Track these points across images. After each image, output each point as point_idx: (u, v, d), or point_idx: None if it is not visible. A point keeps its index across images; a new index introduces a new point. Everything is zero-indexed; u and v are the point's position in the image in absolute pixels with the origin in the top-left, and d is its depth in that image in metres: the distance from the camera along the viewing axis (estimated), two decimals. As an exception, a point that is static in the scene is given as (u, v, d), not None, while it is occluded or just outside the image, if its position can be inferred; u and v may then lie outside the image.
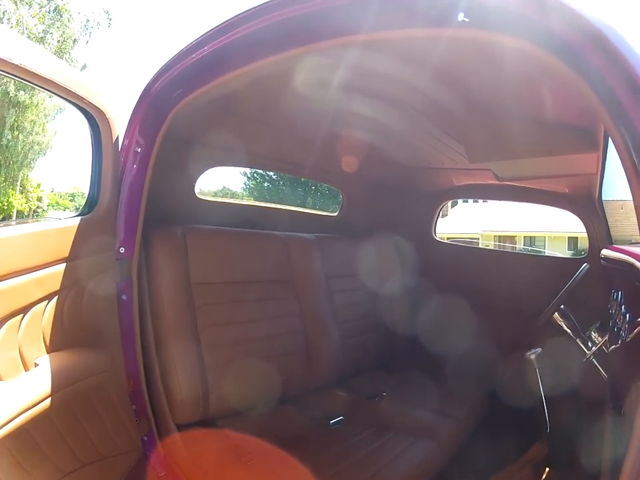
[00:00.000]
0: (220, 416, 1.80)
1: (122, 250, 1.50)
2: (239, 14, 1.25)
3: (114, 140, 1.45)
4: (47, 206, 20.61)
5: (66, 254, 1.34)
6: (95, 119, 1.40)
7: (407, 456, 1.76)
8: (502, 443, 2.19)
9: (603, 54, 0.84)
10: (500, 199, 2.92)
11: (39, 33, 14.08)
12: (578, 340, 1.93)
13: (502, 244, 18.85)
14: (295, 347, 2.10)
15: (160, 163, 1.54)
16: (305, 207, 15.15)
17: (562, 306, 2.03)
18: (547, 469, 1.99)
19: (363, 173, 2.63)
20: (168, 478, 1.64)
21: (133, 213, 1.51)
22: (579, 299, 1.94)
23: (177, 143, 1.70)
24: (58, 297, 1.34)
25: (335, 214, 2.88)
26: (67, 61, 14.69)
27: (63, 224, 1.36)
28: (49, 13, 14.37)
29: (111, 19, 15.49)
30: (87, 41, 15.29)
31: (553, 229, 16.82)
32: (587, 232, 2.58)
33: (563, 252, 16.29)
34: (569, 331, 1.95)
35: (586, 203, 2.51)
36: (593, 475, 1.57)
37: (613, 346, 1.63)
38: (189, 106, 1.45)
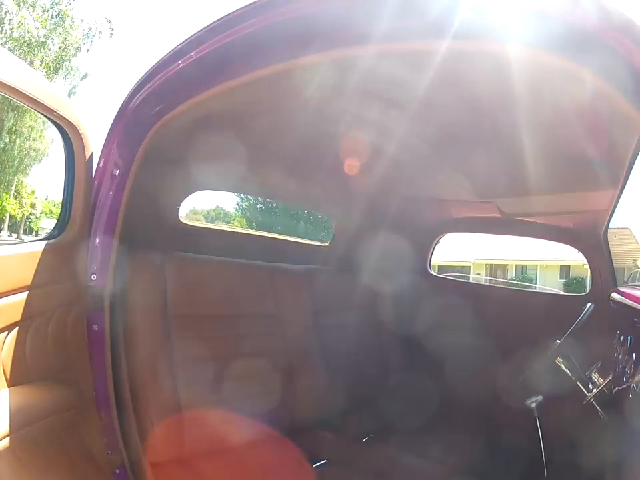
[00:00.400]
0: (196, 454, 1.67)
1: (94, 277, 1.37)
2: (230, 13, 1.10)
3: (87, 157, 1.33)
4: (40, 213, 20.46)
5: (29, 282, 1.22)
6: (67, 133, 1.28)
7: None
8: None
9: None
10: (501, 233, 2.83)
11: (40, 37, 14.03)
12: (578, 382, 1.88)
13: (493, 272, 18.84)
14: (278, 385, 1.96)
15: (141, 183, 1.42)
16: (297, 230, 15.13)
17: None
18: None
19: (356, 203, 2.52)
20: None
21: (107, 238, 1.38)
22: (578, 337, 1.89)
23: (160, 162, 1.58)
24: (19, 328, 1.21)
25: (326, 243, 2.76)
26: (66, 68, 14.68)
27: (27, 248, 1.24)
28: (52, 17, 14.32)
29: (113, 29, 15.50)
30: (88, 50, 15.26)
31: (545, 257, 16.84)
32: (590, 268, 2.49)
33: (555, 280, 16.32)
34: (568, 371, 1.90)
35: (591, 239, 2.44)
36: None
37: (617, 388, 1.60)
38: (172, 123, 1.34)
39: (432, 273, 3.02)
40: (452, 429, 2.28)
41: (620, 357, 1.68)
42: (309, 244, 2.83)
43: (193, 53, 1.19)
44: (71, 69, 15.01)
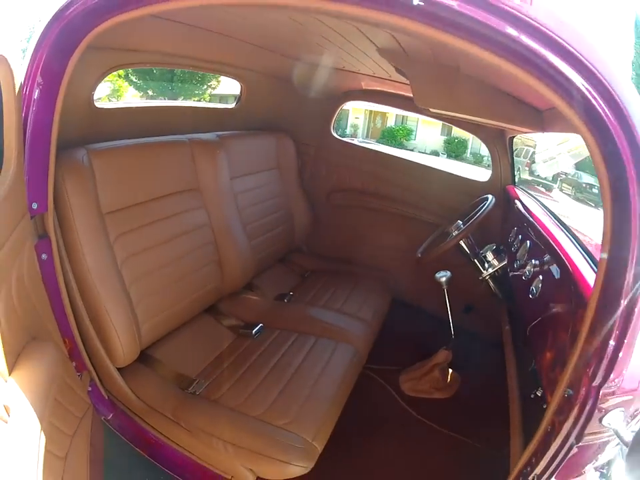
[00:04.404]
0: (152, 343, 1.80)
1: (35, 206, 1.27)
2: None
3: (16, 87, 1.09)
4: None
5: None
6: None
7: (336, 360, 1.90)
8: (406, 346, 2.53)
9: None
10: (410, 111, 2.86)
11: None
12: (476, 260, 2.19)
13: (373, 118, 18.83)
14: (208, 259, 2.07)
15: None
16: (173, 89, 13.76)
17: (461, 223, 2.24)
18: (451, 371, 2.33)
19: (264, 64, 2.41)
20: (115, 419, 1.66)
21: (40, 158, 1.26)
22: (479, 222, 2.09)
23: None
24: None
25: (232, 106, 2.66)
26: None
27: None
28: None
29: None
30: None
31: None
32: (492, 161, 2.67)
33: (436, 136, 17.23)
34: (468, 250, 2.18)
35: (496, 137, 2.59)
36: (492, 378, 1.92)
37: (513, 273, 1.89)
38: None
39: (336, 136, 3.10)
40: (360, 284, 2.62)
41: (516, 246, 1.94)
42: (216, 108, 2.75)
43: None
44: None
